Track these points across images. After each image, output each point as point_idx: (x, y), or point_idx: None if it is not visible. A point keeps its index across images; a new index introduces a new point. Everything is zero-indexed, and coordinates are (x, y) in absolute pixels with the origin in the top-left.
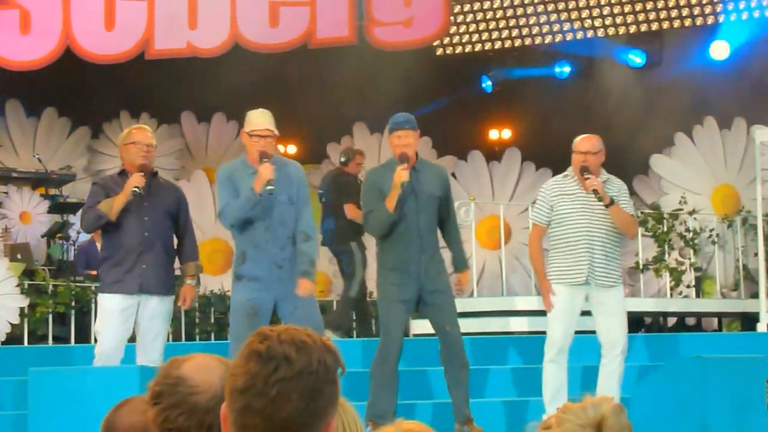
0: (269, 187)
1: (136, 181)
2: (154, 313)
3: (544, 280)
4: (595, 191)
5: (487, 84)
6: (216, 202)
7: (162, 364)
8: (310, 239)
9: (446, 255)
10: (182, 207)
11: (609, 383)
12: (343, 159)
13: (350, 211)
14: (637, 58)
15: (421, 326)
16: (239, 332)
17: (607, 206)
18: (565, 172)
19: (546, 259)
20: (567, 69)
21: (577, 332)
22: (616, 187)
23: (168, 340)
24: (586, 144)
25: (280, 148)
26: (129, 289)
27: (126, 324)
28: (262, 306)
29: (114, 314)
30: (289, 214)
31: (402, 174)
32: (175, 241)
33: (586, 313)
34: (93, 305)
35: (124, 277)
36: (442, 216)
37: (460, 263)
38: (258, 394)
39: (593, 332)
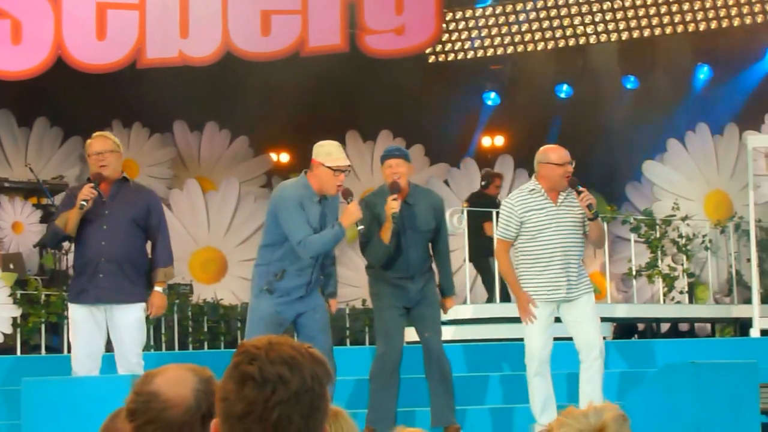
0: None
1: (84, 194)
2: (120, 322)
3: (521, 292)
4: (589, 206)
5: (492, 97)
6: (289, 226)
7: (136, 380)
8: (335, 263)
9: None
10: (153, 212)
11: (591, 387)
12: (483, 183)
13: (488, 229)
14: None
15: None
16: None
17: (591, 219)
18: (531, 186)
19: (517, 274)
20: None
21: (557, 339)
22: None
23: (161, 350)
24: (564, 154)
25: (273, 156)
26: (88, 300)
27: (92, 334)
28: (287, 319)
29: (77, 324)
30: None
31: (393, 205)
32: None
33: (560, 319)
34: None
35: (84, 287)
36: (434, 241)
37: (448, 289)
38: (258, 420)
39: (569, 339)
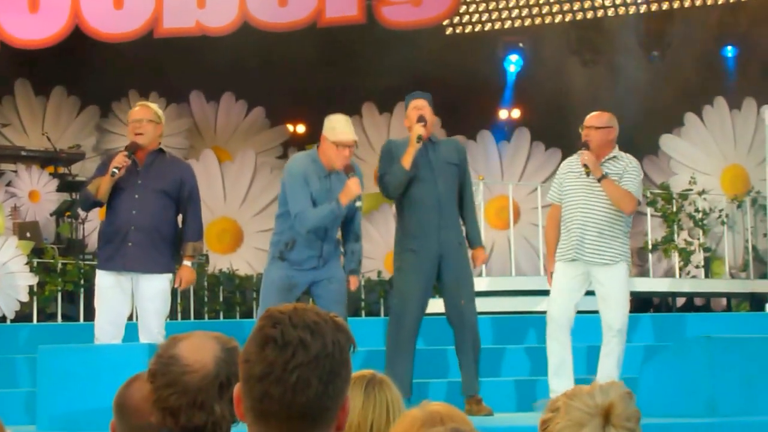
0: (358, 203)
1: (117, 161)
2: (145, 292)
3: (550, 257)
4: (585, 165)
5: (514, 62)
6: (289, 198)
7: (161, 343)
8: (359, 239)
9: None
10: (186, 185)
11: (608, 362)
12: None
13: None
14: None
15: (435, 305)
16: (275, 304)
17: (598, 180)
18: (580, 151)
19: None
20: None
21: (580, 312)
22: (623, 164)
23: (177, 319)
24: (590, 119)
25: (289, 127)
26: (115, 267)
27: (117, 301)
28: (299, 284)
29: (103, 291)
30: (349, 215)
31: (418, 129)
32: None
33: (590, 293)
34: None
35: (113, 255)
36: (460, 189)
37: (476, 240)
38: (276, 382)
39: (596, 311)
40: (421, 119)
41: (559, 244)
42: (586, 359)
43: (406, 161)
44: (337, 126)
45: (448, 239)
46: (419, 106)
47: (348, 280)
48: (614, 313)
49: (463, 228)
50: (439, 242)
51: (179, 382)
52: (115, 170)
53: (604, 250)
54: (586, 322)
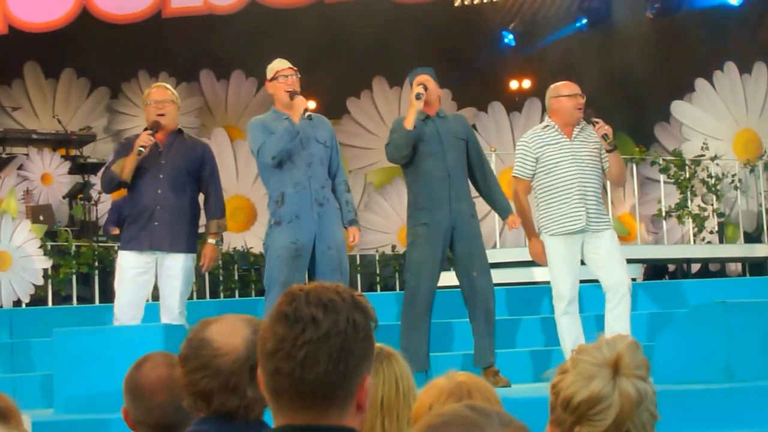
0: (307, 113)
1: (142, 140)
2: (170, 271)
3: (534, 235)
4: (605, 136)
5: (509, 38)
6: (250, 143)
7: (192, 327)
8: (350, 189)
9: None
10: (206, 164)
11: (619, 324)
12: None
13: None
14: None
15: (448, 278)
16: (286, 277)
17: (609, 152)
18: (545, 123)
19: (534, 212)
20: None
21: (582, 281)
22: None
23: (192, 298)
24: (574, 87)
25: None
26: (141, 247)
27: (140, 281)
28: (305, 246)
29: (126, 271)
30: (326, 155)
31: (416, 88)
32: (202, 199)
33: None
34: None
35: (138, 235)
36: (473, 164)
37: (506, 209)
38: (286, 357)
39: (590, 281)
40: (420, 84)
41: (554, 217)
42: (596, 329)
43: (408, 122)
44: (273, 64)
45: (459, 210)
46: (422, 80)
47: (348, 236)
48: (621, 271)
49: (476, 201)
50: (450, 214)
51: (210, 365)
52: (141, 149)
53: (602, 216)
54: (590, 292)
